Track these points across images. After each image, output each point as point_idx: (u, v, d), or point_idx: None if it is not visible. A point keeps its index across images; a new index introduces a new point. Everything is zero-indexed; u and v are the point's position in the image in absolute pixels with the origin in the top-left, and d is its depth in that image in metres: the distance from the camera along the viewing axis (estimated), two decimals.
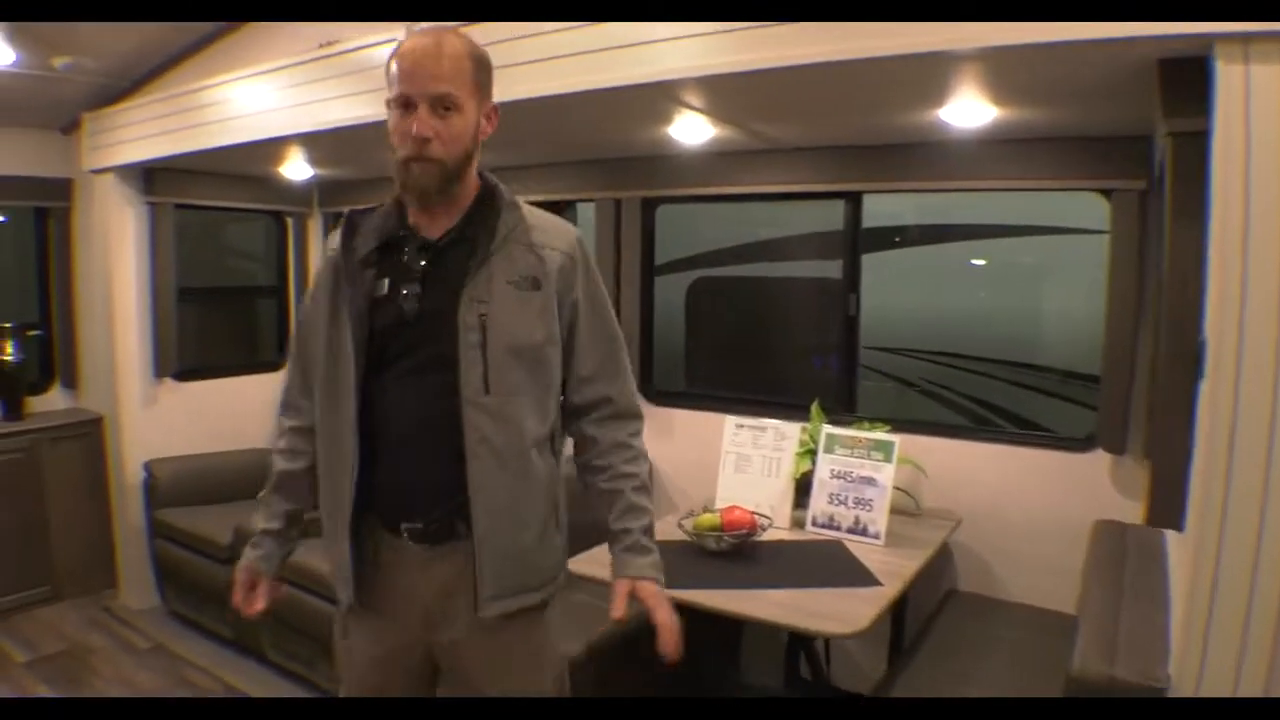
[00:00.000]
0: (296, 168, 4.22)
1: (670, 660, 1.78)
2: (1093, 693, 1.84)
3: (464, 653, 1.82)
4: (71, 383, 4.79)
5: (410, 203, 1.75)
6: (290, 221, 4.97)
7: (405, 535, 1.75)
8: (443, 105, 1.66)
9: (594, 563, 2.60)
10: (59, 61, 3.83)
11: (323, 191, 4.92)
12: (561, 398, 1.85)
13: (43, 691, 3.69)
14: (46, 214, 4.68)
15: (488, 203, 1.78)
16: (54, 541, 4.52)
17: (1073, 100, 2.43)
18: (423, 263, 1.73)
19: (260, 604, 1.89)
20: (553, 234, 1.80)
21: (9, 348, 4.53)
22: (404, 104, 1.66)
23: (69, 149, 4.51)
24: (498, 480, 1.72)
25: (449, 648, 1.82)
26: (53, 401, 4.77)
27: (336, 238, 1.81)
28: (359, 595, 1.79)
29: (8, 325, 4.56)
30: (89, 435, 4.59)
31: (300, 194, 4.85)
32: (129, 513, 4.47)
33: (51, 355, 4.79)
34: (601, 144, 3.47)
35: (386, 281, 1.73)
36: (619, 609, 1.83)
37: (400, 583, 1.78)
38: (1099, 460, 2.96)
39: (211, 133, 3.54)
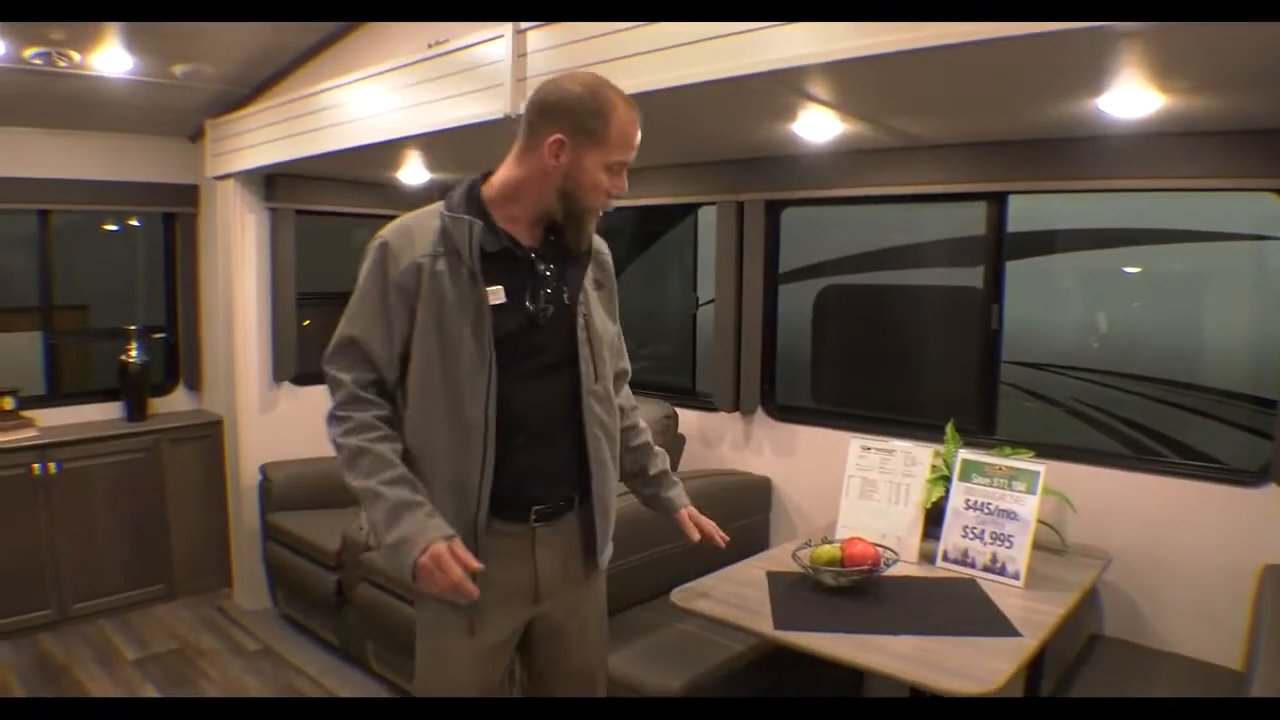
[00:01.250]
0: (413, 171, 4.15)
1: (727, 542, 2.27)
2: None
3: (578, 607, 2.08)
4: (194, 385, 4.89)
5: (540, 224, 1.93)
6: None
7: (533, 518, 1.93)
8: None
9: (702, 596, 2.42)
10: (179, 69, 3.89)
11: (441, 196, 4.80)
12: None
13: (148, 690, 3.70)
14: (174, 219, 4.80)
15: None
16: (172, 541, 4.62)
17: (1250, 87, 2.12)
18: (548, 273, 1.92)
19: (475, 562, 1.79)
20: (599, 241, 2.06)
21: (134, 349, 4.65)
22: (622, 166, 1.88)
23: (195, 156, 4.61)
24: (608, 454, 2.02)
25: (562, 611, 2.04)
26: (175, 403, 4.87)
27: (402, 248, 1.87)
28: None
29: (134, 327, 4.69)
30: (209, 437, 4.67)
31: (419, 199, 4.75)
32: (244, 515, 4.51)
33: (176, 358, 4.91)
34: (722, 142, 3.27)
35: (502, 289, 1.86)
36: (695, 532, 2.26)
37: (512, 569, 1.93)
38: (1271, 496, 2.61)
39: (327, 137, 3.51)
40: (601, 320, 2.02)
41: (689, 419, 3.81)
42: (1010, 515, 2.58)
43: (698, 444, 3.83)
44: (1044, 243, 4.04)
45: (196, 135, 4.57)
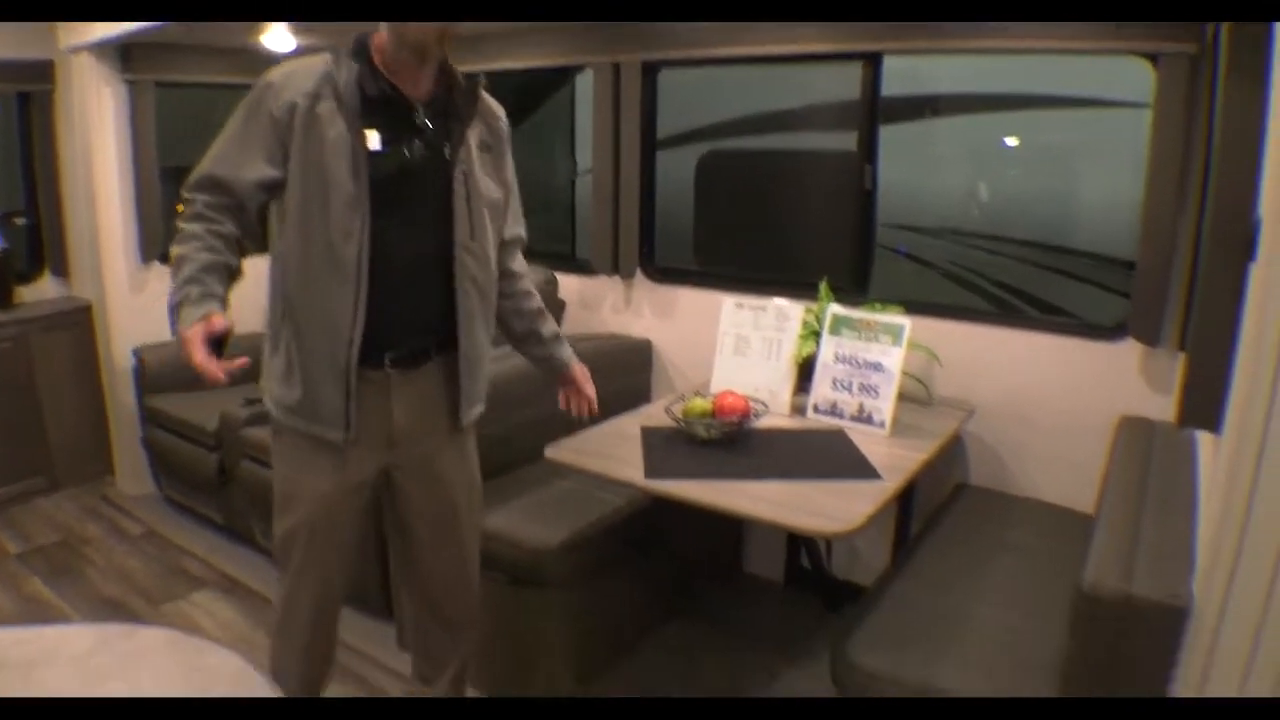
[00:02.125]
0: (278, 38, 3.96)
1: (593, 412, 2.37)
2: (1105, 610, 1.65)
3: (438, 458, 2.13)
4: (61, 270, 4.66)
5: (410, 65, 1.89)
6: None
7: (387, 364, 1.97)
8: None
9: (576, 451, 2.45)
10: None
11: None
12: None
13: (34, 583, 3.63)
14: (28, 98, 4.49)
15: (451, 73, 1.97)
16: (49, 432, 4.46)
17: None
18: (428, 124, 1.93)
19: (222, 370, 1.71)
20: (494, 106, 2.10)
21: None
22: None
23: (47, 29, 4.27)
24: (478, 309, 2.05)
25: (419, 460, 2.10)
26: (43, 290, 4.65)
27: (283, 86, 1.86)
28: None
29: None
30: (79, 324, 4.48)
31: None
32: (121, 400, 4.39)
33: (40, 243, 4.65)
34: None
35: (378, 135, 1.87)
36: (566, 400, 2.42)
37: (372, 414, 1.99)
38: (1129, 351, 2.73)
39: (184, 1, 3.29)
40: (484, 181, 2.03)
41: (569, 284, 3.79)
42: (877, 367, 2.65)
43: (578, 308, 3.83)
44: (922, 107, 4.06)
45: None
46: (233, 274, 1.89)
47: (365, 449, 2.02)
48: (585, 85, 3.80)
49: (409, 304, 1.97)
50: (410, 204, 1.93)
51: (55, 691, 1.28)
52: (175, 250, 1.84)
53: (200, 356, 1.70)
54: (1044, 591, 2.25)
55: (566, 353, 2.38)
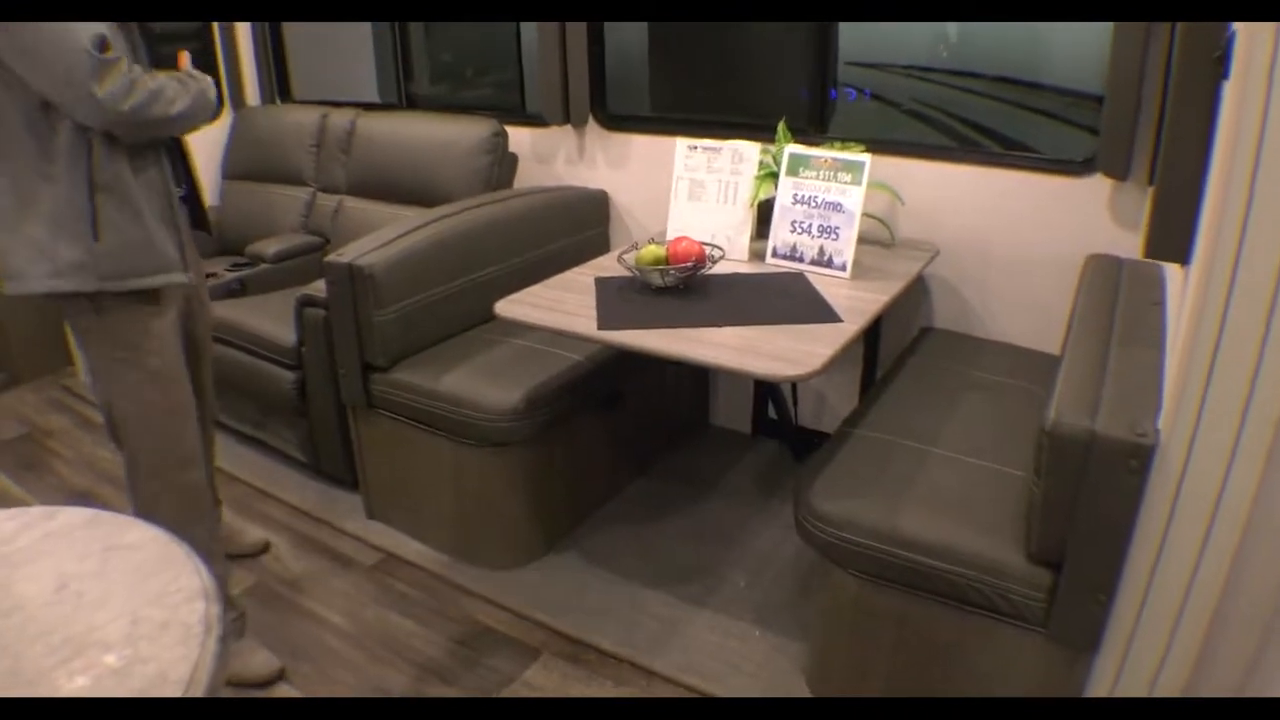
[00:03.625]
0: None
1: None
2: (1069, 448, 1.61)
3: (198, 278, 2.36)
4: None
5: None
6: None
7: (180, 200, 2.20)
8: None
9: (527, 305, 2.36)
10: None
11: None
12: None
13: (1, 479, 3.57)
14: None
15: None
16: (4, 325, 4.31)
17: None
18: None
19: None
20: None
21: None
22: None
23: None
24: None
25: (198, 284, 2.37)
26: None
27: None
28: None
29: None
30: None
31: None
32: None
33: None
34: None
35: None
36: None
37: (185, 247, 2.19)
38: (1097, 187, 2.63)
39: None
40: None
41: (521, 137, 3.64)
42: (837, 208, 2.55)
43: (531, 162, 3.68)
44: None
45: None
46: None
47: (187, 287, 2.26)
48: None
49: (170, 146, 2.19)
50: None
51: None
52: (169, 93, 2.00)
53: None
54: (1010, 432, 2.22)
55: None
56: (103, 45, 1.85)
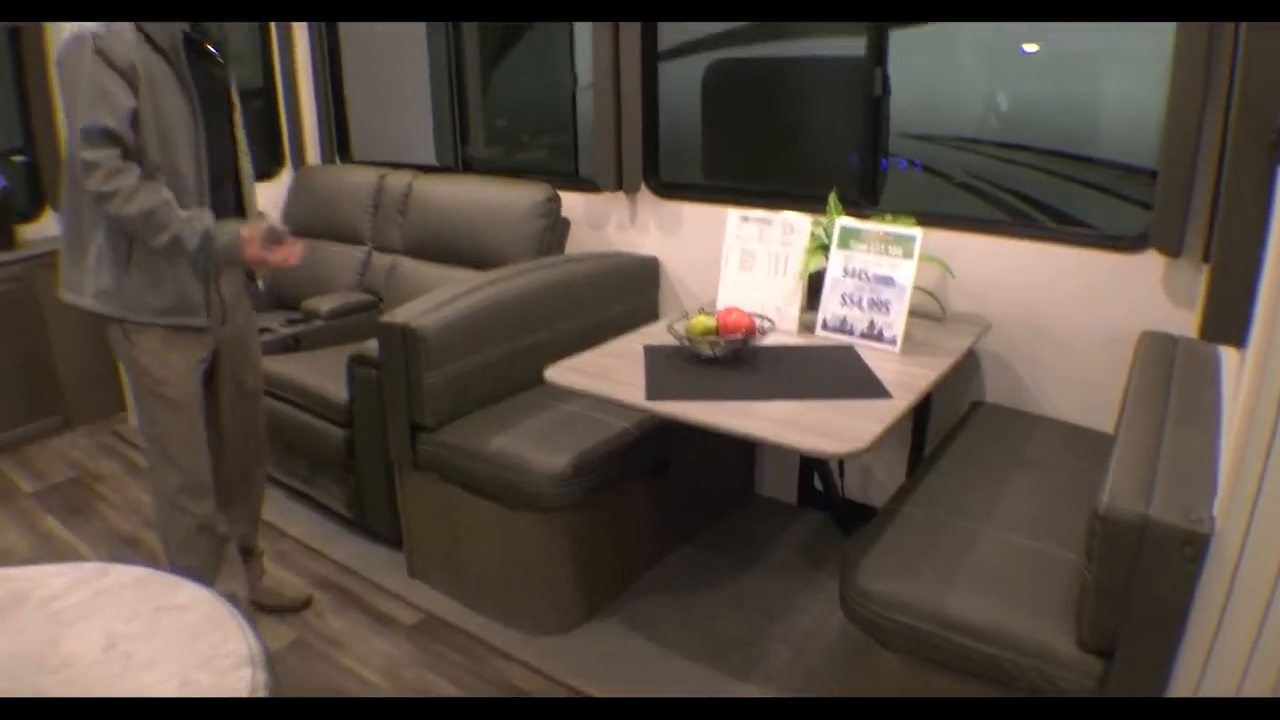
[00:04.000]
0: None
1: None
2: (1124, 535, 1.58)
3: (243, 332, 2.65)
4: (61, 206, 4.58)
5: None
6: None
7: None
8: None
9: (577, 372, 2.38)
10: None
11: None
12: None
13: (48, 521, 3.63)
14: (19, 34, 4.37)
15: None
16: (60, 371, 4.40)
17: None
18: (216, 51, 2.40)
19: (293, 255, 2.41)
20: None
21: None
22: None
23: None
24: (253, 199, 2.56)
25: (233, 333, 2.60)
26: (45, 228, 4.55)
27: (113, 42, 2.15)
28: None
29: None
30: None
31: None
32: None
33: (39, 181, 4.55)
34: None
35: (187, 70, 2.27)
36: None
37: (210, 296, 2.43)
38: (1150, 263, 2.61)
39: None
40: (235, 99, 2.50)
41: (573, 202, 3.69)
42: (887, 281, 2.55)
43: (584, 227, 3.73)
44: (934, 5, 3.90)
45: None
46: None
47: (210, 330, 2.48)
48: None
49: (220, 205, 2.40)
50: (215, 123, 2.38)
51: (24, 631, 1.24)
52: (130, 208, 2.18)
53: (261, 252, 2.33)
54: (1061, 513, 2.18)
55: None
56: (103, 135, 2.14)
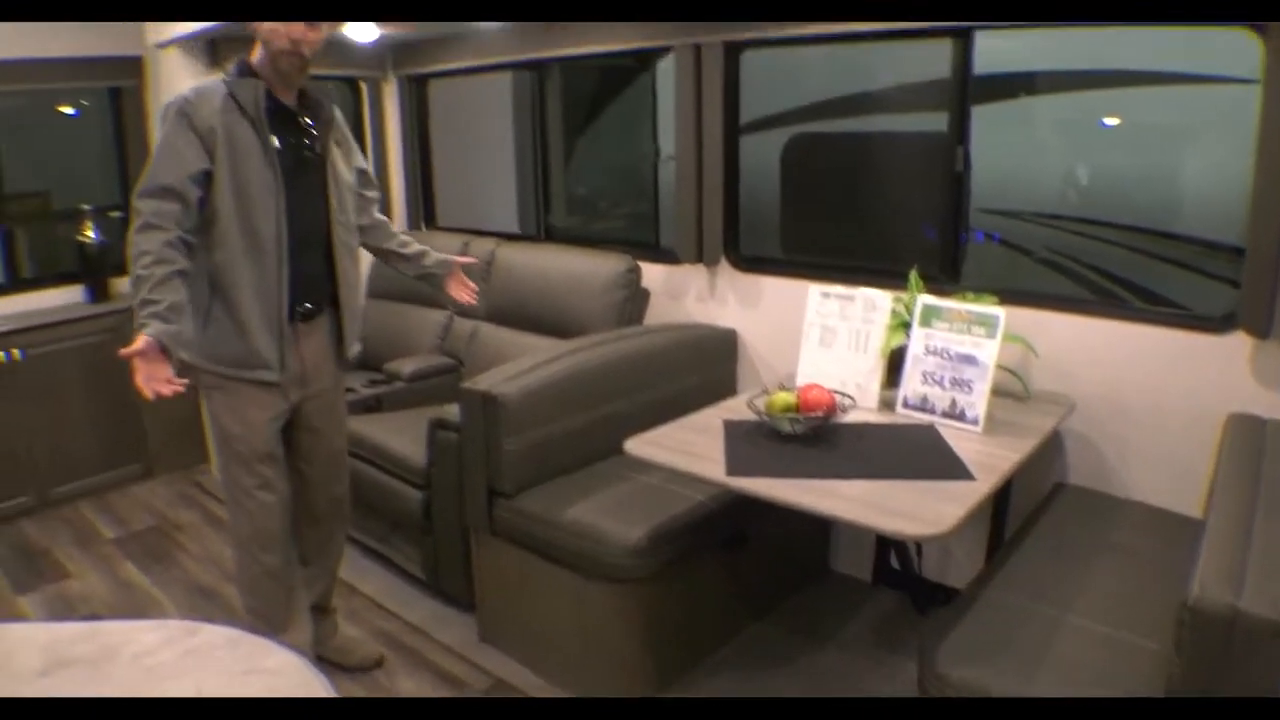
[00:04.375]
0: (362, 28, 3.97)
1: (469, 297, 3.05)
2: (1211, 625, 1.54)
3: (328, 395, 2.73)
4: None
5: (282, 82, 2.45)
6: (365, 87, 4.77)
7: (299, 316, 2.55)
8: None
9: (656, 445, 2.40)
10: None
11: (395, 54, 4.68)
12: None
13: (127, 568, 3.72)
14: (120, 94, 4.60)
15: (305, 86, 2.55)
16: (145, 420, 4.53)
17: None
18: (310, 124, 2.54)
19: (168, 388, 2.22)
20: (335, 112, 2.64)
21: (90, 230, 4.50)
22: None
23: (137, 26, 4.35)
24: (350, 268, 2.66)
25: (316, 396, 2.67)
26: None
27: (200, 105, 2.32)
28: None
29: (88, 207, 4.53)
30: None
31: (373, 57, 4.67)
32: None
33: None
34: None
35: (277, 138, 2.41)
36: (464, 293, 3.05)
37: (283, 352, 2.51)
38: (1238, 344, 2.56)
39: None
40: (342, 168, 2.62)
41: (653, 273, 3.74)
42: (970, 360, 2.54)
43: (663, 298, 3.77)
44: (1017, 85, 3.91)
45: None
46: (183, 274, 2.31)
47: (286, 390, 2.56)
48: (668, 68, 3.74)
49: (308, 267, 2.52)
50: (301, 189, 2.47)
51: (117, 690, 1.27)
52: (136, 267, 2.26)
53: (142, 376, 2.20)
54: (1147, 601, 2.13)
55: (435, 261, 2.98)
56: (160, 190, 2.28)
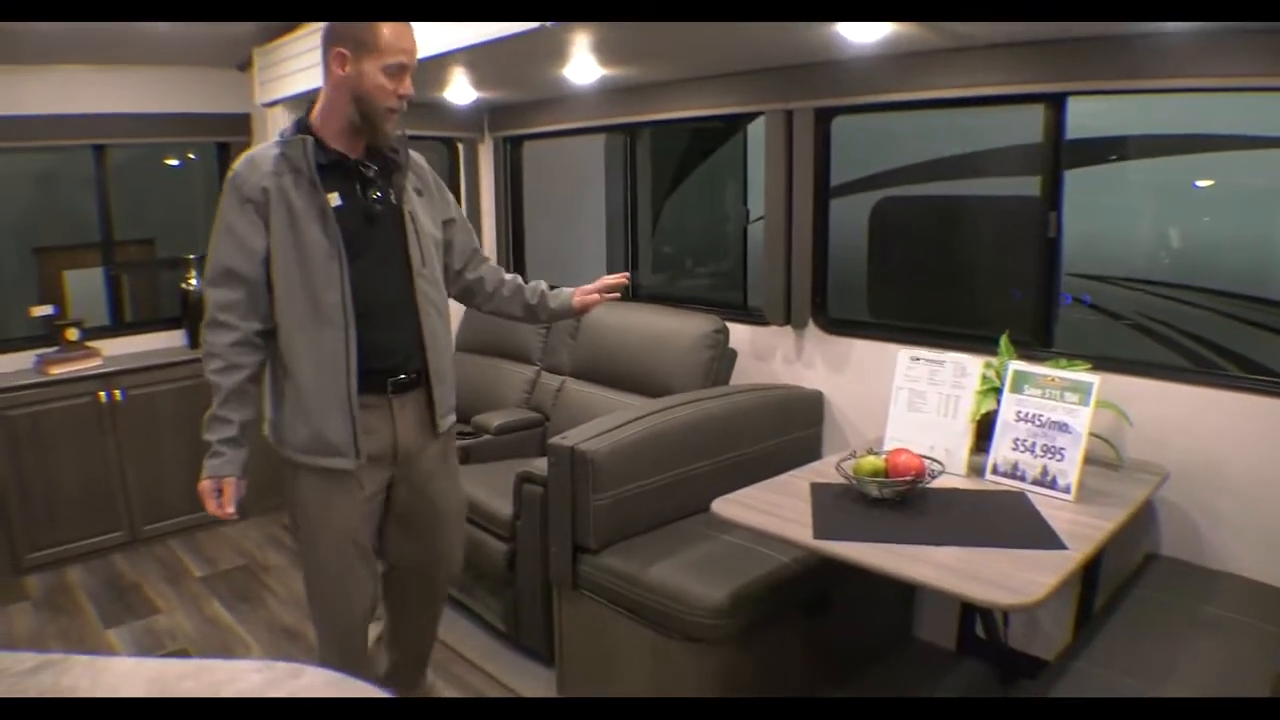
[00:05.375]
0: (460, 90, 4.10)
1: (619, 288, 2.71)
2: None
3: (430, 471, 2.48)
4: None
5: (353, 135, 2.27)
6: (461, 147, 4.93)
7: (390, 389, 2.33)
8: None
9: (743, 506, 2.41)
10: None
11: (491, 116, 4.82)
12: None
13: (214, 605, 3.82)
14: (227, 149, 4.82)
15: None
16: None
17: None
18: (374, 176, 2.31)
19: (230, 507, 2.27)
20: (417, 156, 2.49)
21: (194, 279, 4.69)
22: (400, 69, 2.22)
23: (245, 85, 4.60)
24: (439, 327, 2.43)
25: (416, 474, 2.45)
26: None
27: (249, 174, 2.22)
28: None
29: (192, 257, 4.73)
30: None
31: (469, 119, 4.84)
32: None
33: None
34: (763, 49, 3.17)
35: (338, 194, 2.24)
36: (595, 298, 2.71)
37: (376, 436, 2.33)
38: None
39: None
40: (425, 218, 2.41)
41: (740, 333, 3.77)
42: (1062, 428, 2.51)
43: (749, 359, 3.79)
44: (1109, 149, 3.89)
45: (245, 64, 4.54)
46: (255, 377, 2.28)
47: (374, 467, 2.35)
48: (757, 131, 3.80)
49: (390, 335, 2.33)
50: (374, 247, 2.29)
51: None
52: (206, 370, 2.23)
53: (212, 507, 2.26)
54: (1241, 676, 2.07)
55: (563, 298, 2.73)
56: (224, 274, 2.21)
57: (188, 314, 4.73)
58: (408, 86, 2.24)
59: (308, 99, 4.13)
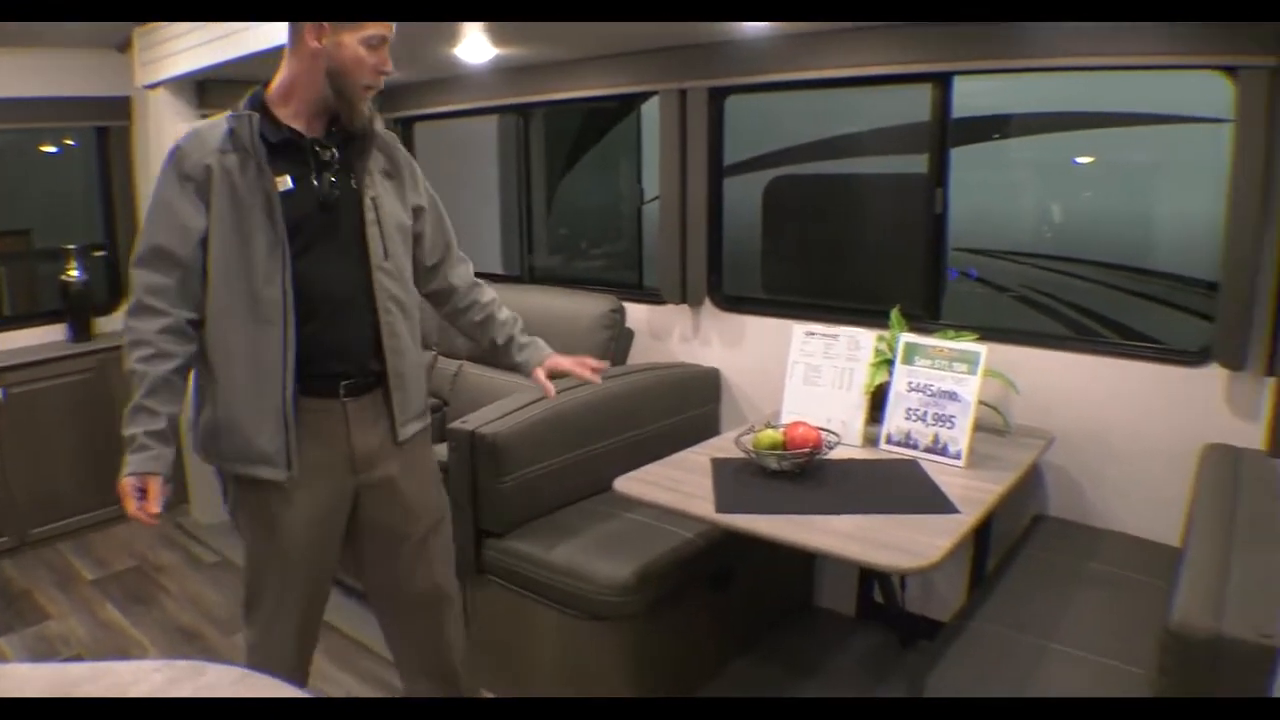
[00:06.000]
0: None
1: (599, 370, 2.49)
2: (1195, 649, 1.58)
3: (395, 480, 2.20)
4: None
5: (321, 110, 2.03)
6: None
7: (342, 393, 2.07)
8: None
9: (645, 483, 2.42)
10: None
11: (383, 96, 4.71)
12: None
13: (107, 609, 3.70)
14: (107, 133, 4.65)
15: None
16: (117, 461, 4.49)
17: None
18: (332, 159, 2.05)
19: (155, 507, 1.97)
20: (390, 137, 2.21)
21: (74, 269, 4.51)
22: (381, 41, 1.98)
23: (125, 67, 4.42)
24: (403, 328, 2.16)
25: (379, 482, 2.18)
26: (120, 322, 4.74)
27: (192, 149, 1.97)
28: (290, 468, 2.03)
29: (72, 247, 4.55)
30: None
31: None
32: None
33: (118, 275, 4.76)
34: (657, 30, 3.17)
35: (289, 177, 1.99)
36: (550, 388, 2.43)
37: (327, 444, 2.08)
38: (1213, 377, 2.63)
39: (255, 38, 3.34)
40: (392, 205, 2.16)
41: (638, 313, 3.79)
42: (952, 397, 2.58)
43: (647, 338, 3.81)
44: (993, 127, 4.00)
45: (124, 45, 4.38)
46: (183, 370, 2.00)
47: (324, 482, 2.10)
48: (652, 111, 3.81)
49: (344, 333, 2.08)
50: (327, 237, 2.04)
51: None
52: (127, 359, 1.97)
53: (132, 508, 1.97)
54: (1129, 629, 2.17)
55: (526, 355, 2.47)
56: (154, 252, 1.97)
57: (69, 307, 4.54)
58: (387, 62, 2.01)
59: (193, 80, 4.05)
